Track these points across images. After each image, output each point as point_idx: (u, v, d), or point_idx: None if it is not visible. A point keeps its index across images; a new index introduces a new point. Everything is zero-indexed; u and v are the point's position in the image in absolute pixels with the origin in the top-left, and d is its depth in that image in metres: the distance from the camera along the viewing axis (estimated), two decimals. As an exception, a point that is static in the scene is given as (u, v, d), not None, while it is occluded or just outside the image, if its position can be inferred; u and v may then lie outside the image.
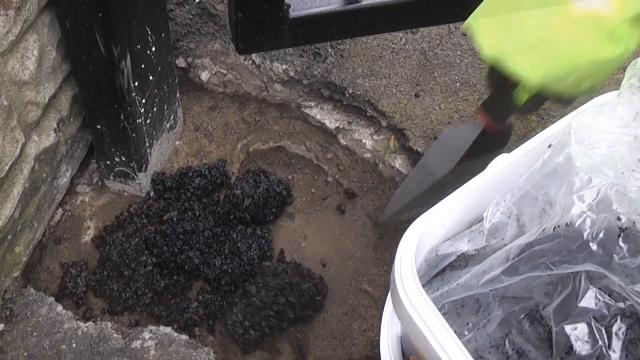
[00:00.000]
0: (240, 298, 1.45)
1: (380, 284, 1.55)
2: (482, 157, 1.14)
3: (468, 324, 0.86)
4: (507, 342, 0.83)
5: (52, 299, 1.32)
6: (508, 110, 1.19)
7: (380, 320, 1.01)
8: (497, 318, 0.83)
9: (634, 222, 0.73)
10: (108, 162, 1.52)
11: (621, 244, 0.73)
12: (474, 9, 1.21)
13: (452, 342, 0.72)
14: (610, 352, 0.75)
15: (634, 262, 0.72)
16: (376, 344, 1.43)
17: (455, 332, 0.74)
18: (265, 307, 1.42)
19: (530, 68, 0.88)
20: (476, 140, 1.25)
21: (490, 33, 0.93)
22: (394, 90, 1.63)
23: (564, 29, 0.84)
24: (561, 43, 0.84)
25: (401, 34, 1.71)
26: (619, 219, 0.73)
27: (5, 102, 1.14)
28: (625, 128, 0.79)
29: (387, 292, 1.17)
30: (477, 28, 0.95)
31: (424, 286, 0.80)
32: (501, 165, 0.90)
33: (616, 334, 0.74)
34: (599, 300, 0.75)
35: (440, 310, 0.87)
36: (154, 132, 1.52)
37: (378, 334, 1.07)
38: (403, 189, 1.45)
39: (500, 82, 1.05)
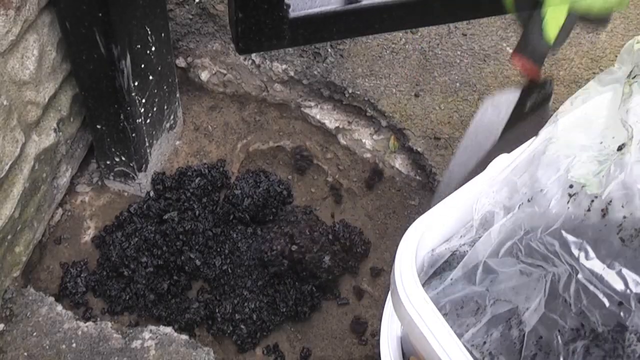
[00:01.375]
0: (229, 291, 1.46)
1: (380, 283, 1.55)
2: (527, 119, 1.11)
3: (467, 324, 0.86)
4: (487, 342, 0.83)
5: (52, 299, 1.32)
6: (542, 46, 1.10)
7: (380, 320, 1.01)
8: (485, 319, 0.83)
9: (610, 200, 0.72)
10: (108, 162, 1.52)
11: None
12: (474, 9, 1.21)
13: (452, 342, 0.72)
14: None
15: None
16: (376, 344, 1.43)
17: (455, 332, 0.74)
18: (254, 298, 1.43)
19: None
20: (518, 103, 1.18)
21: None
22: (394, 90, 1.63)
23: None
24: None
25: (401, 34, 1.71)
26: (592, 202, 0.73)
27: (5, 102, 1.14)
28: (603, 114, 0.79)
29: (387, 292, 1.17)
30: None
31: (423, 286, 0.80)
32: (501, 165, 0.90)
33: (574, 352, 0.73)
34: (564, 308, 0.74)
35: (440, 310, 0.87)
36: (154, 132, 1.52)
37: (378, 334, 1.07)
38: (448, 177, 1.35)
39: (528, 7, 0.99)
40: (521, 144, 1.00)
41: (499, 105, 1.20)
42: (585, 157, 0.74)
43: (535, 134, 1.07)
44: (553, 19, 1.01)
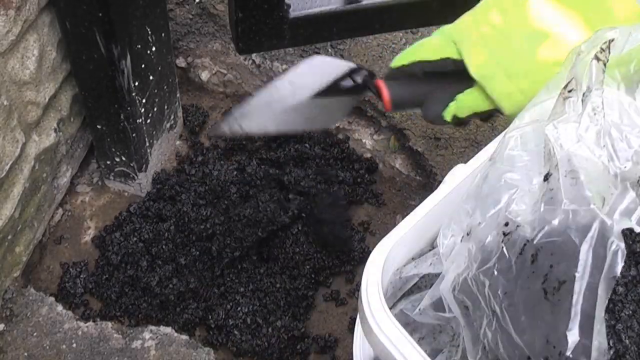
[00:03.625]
0: (226, 291, 1.46)
1: (381, 283, 1.55)
2: (340, 97, 1.03)
3: (442, 350, 0.83)
4: None
5: (52, 299, 1.32)
6: (435, 116, 0.94)
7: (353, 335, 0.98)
8: (460, 343, 0.80)
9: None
10: (108, 162, 1.52)
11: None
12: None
13: None
14: None
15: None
16: (376, 344, 1.43)
17: (430, 356, 0.71)
18: (247, 303, 1.43)
19: (510, 94, 0.81)
20: (340, 78, 1.05)
21: (479, 50, 0.83)
22: (394, 90, 1.62)
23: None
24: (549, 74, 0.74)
25: (401, 34, 1.70)
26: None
27: (5, 102, 1.14)
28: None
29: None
30: (463, 43, 0.85)
31: (391, 308, 0.77)
32: (459, 176, 0.85)
33: None
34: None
35: (415, 333, 0.85)
36: (154, 132, 1.52)
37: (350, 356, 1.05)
38: (250, 105, 1.13)
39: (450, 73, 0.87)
40: (319, 120, 0.97)
41: (326, 69, 1.06)
42: (526, 189, 0.66)
43: (335, 117, 1.02)
44: (462, 108, 0.88)
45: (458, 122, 0.91)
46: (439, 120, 0.93)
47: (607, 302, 0.59)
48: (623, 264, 0.59)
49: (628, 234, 0.60)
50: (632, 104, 0.67)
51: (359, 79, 1.05)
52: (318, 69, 1.08)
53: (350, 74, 1.04)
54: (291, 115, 1.07)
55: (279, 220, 1.49)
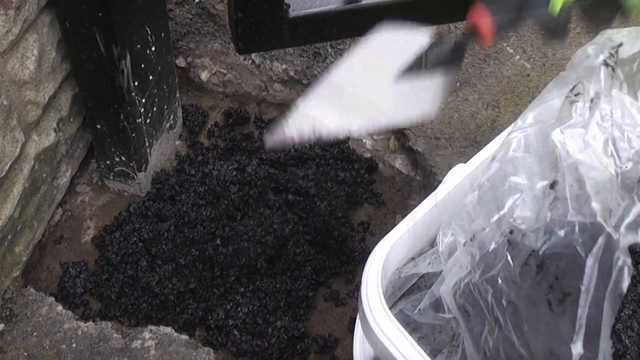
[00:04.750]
0: (225, 292, 1.45)
1: (380, 283, 1.55)
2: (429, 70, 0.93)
3: (442, 350, 0.82)
4: None
5: (52, 298, 1.32)
6: (545, 18, 0.80)
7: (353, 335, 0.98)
8: (459, 343, 0.80)
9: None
10: (108, 162, 1.52)
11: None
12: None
13: None
14: None
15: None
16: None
17: (430, 356, 0.70)
18: (247, 303, 1.42)
19: None
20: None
21: None
22: (394, 90, 1.62)
23: None
24: None
25: (401, 34, 1.70)
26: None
27: (5, 102, 1.14)
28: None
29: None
30: None
31: (391, 308, 0.77)
32: (458, 177, 0.85)
33: None
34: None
35: (415, 332, 0.85)
36: (153, 132, 1.52)
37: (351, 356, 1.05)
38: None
39: None
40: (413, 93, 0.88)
41: (401, 45, 0.97)
42: (531, 194, 0.65)
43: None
44: None
45: (567, 15, 0.77)
46: (548, 21, 0.80)
47: (613, 320, 0.58)
48: (630, 280, 0.58)
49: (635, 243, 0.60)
50: (634, 104, 0.67)
51: (448, 47, 0.94)
52: (391, 46, 0.96)
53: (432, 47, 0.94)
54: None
55: (284, 235, 1.50)
